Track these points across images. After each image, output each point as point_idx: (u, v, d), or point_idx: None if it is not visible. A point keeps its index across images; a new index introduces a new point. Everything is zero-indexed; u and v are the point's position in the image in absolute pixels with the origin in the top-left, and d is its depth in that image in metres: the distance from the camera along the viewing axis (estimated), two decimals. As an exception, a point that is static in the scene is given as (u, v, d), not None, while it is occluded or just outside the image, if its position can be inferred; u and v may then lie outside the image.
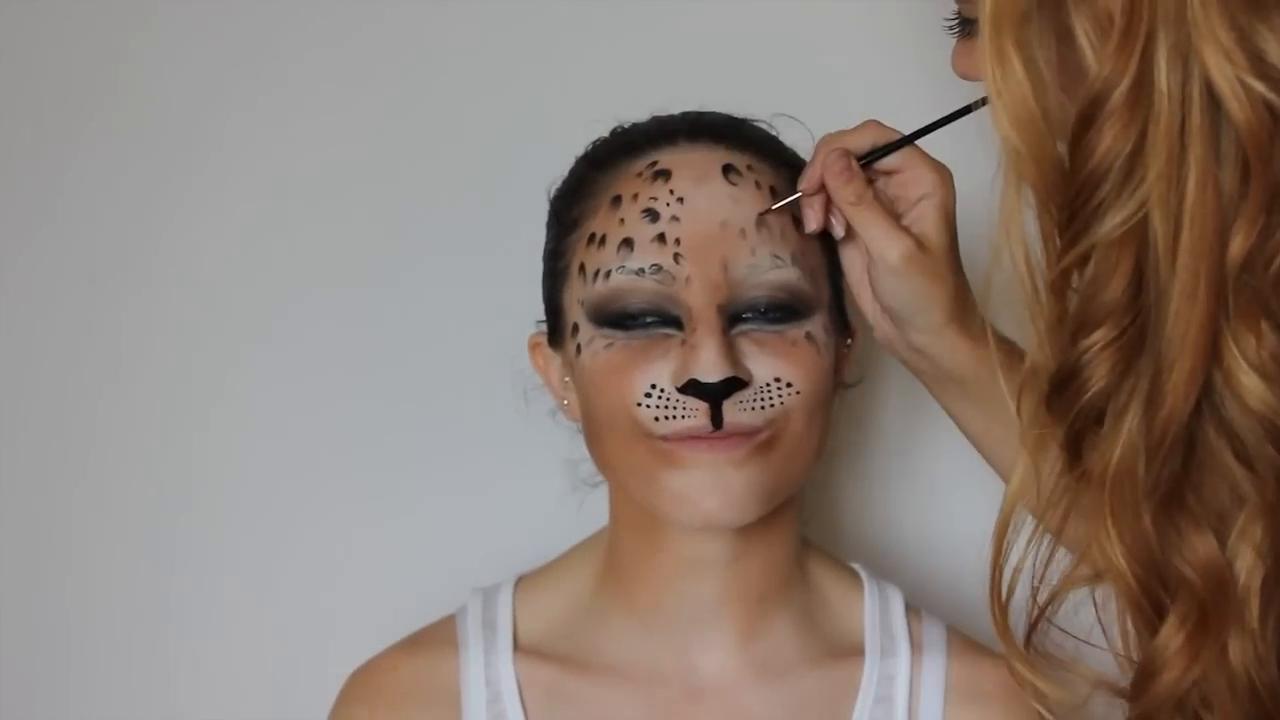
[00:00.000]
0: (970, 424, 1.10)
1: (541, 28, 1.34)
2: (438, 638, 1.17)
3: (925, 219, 1.04)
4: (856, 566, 1.18)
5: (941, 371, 1.08)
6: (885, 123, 1.07)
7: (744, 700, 1.12)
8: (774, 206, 1.07)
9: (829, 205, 1.06)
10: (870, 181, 1.05)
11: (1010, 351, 0.99)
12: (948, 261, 1.04)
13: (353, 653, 1.17)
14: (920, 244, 1.03)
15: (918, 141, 1.05)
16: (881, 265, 1.03)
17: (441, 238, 1.35)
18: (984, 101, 0.83)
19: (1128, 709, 0.90)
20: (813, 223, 1.06)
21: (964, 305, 1.04)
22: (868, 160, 1.05)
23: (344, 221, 1.35)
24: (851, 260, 1.09)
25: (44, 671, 1.36)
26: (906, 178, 1.05)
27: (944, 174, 1.05)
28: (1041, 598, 0.90)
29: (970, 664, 1.14)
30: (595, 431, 1.08)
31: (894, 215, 1.04)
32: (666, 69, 1.31)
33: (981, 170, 0.86)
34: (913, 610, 1.17)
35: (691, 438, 1.03)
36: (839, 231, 1.07)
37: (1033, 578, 0.90)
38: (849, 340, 1.14)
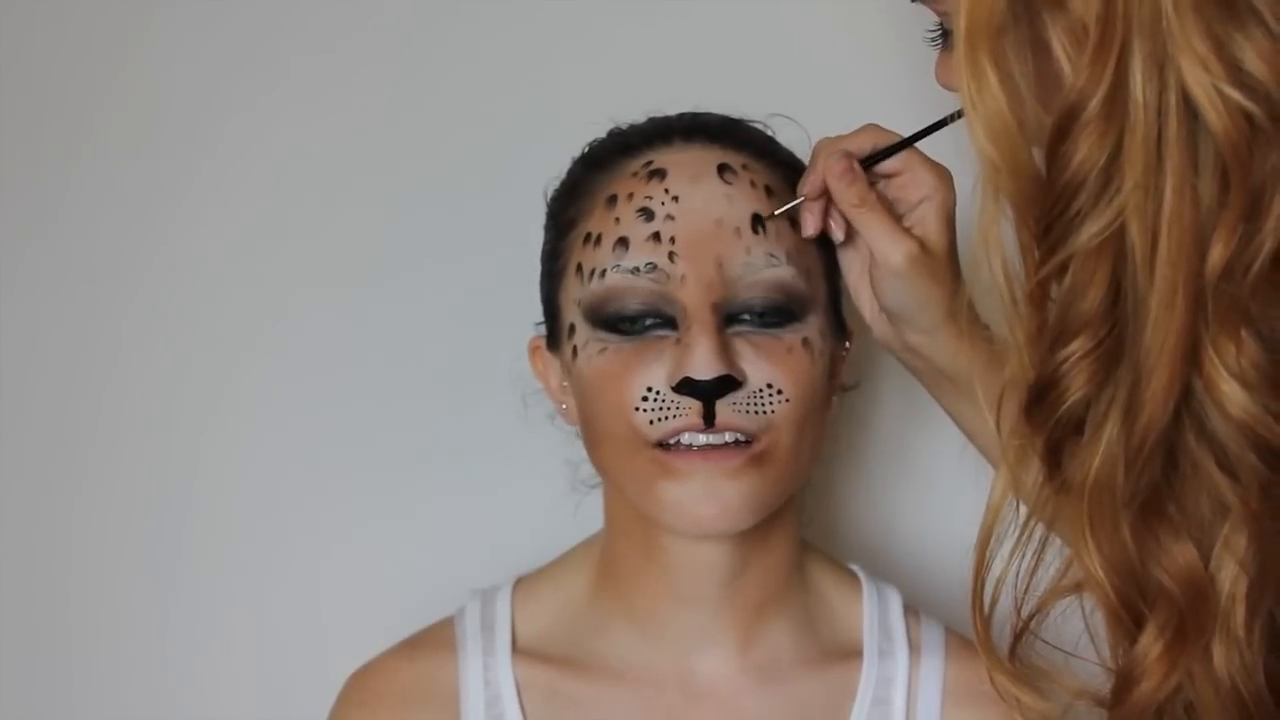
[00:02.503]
0: (966, 420, 1.10)
1: (539, 30, 1.34)
2: (436, 640, 1.17)
3: (926, 221, 1.04)
4: (855, 568, 1.18)
5: (936, 369, 1.08)
6: (883, 124, 1.07)
7: (743, 704, 1.12)
8: (775, 212, 1.07)
9: (828, 209, 1.06)
10: (871, 184, 1.04)
11: (997, 354, 0.99)
12: (948, 262, 1.05)
13: (351, 655, 1.18)
14: (922, 245, 1.03)
15: (917, 143, 1.05)
16: (885, 267, 1.03)
17: (441, 239, 1.35)
18: None
19: (1108, 718, 0.90)
20: (810, 227, 1.06)
21: (960, 304, 1.04)
22: (868, 163, 1.05)
23: (344, 223, 1.35)
24: (850, 261, 1.09)
25: (43, 672, 1.37)
26: (907, 180, 1.05)
27: (944, 175, 1.05)
28: (1025, 610, 0.90)
29: (968, 665, 1.14)
30: (594, 437, 1.09)
31: (894, 216, 1.04)
32: (663, 70, 1.31)
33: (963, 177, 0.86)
34: (911, 611, 1.17)
35: (686, 451, 1.03)
36: (838, 235, 1.07)
37: (1015, 589, 0.90)
38: (846, 344, 1.14)
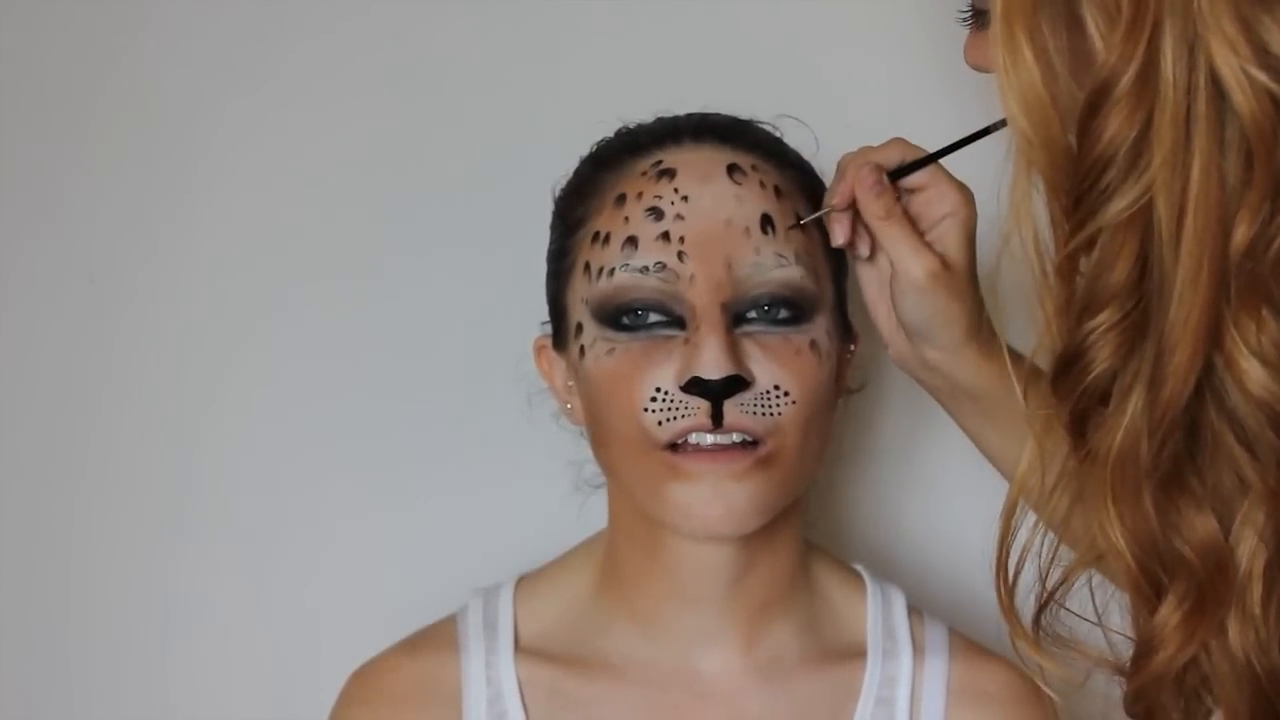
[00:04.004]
0: (986, 440, 1.11)
1: (547, 26, 1.34)
2: (439, 638, 1.17)
3: (948, 237, 1.05)
4: (859, 568, 1.19)
5: (958, 388, 1.08)
6: (890, 125, 1.08)
7: (746, 703, 1.12)
8: (803, 220, 1.07)
9: (855, 224, 1.06)
10: (897, 198, 1.05)
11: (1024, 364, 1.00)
12: (968, 280, 1.05)
13: (353, 653, 1.18)
14: (944, 261, 1.04)
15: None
16: (906, 281, 1.03)
17: (445, 238, 1.35)
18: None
19: (1125, 686, 0.91)
20: (840, 236, 1.06)
21: (981, 323, 1.05)
22: (895, 176, 1.05)
23: (347, 220, 1.35)
24: (869, 279, 1.10)
25: (42, 672, 1.36)
26: (930, 195, 1.05)
27: (966, 194, 1.05)
28: (1050, 580, 0.91)
29: (972, 665, 1.15)
30: (601, 438, 1.09)
31: (918, 231, 1.05)
32: (671, 70, 1.32)
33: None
34: (915, 612, 1.17)
35: (693, 451, 1.03)
36: (864, 251, 1.08)
37: (1039, 559, 0.91)
38: (852, 346, 1.15)
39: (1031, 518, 0.91)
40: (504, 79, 1.34)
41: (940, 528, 1.37)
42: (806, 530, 1.16)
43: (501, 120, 1.35)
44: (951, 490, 1.34)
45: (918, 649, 1.15)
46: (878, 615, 1.16)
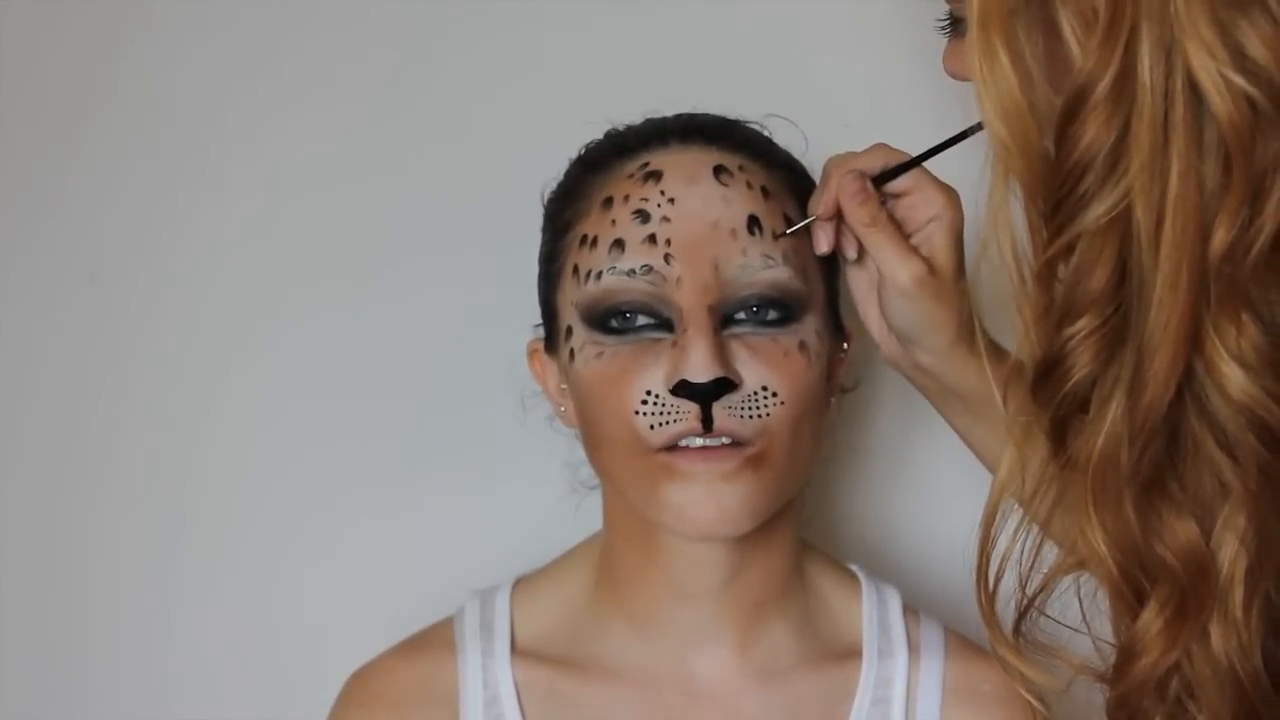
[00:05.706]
0: (975, 438, 1.11)
1: (536, 29, 1.34)
2: (435, 640, 1.17)
3: (934, 240, 1.05)
4: (854, 568, 1.19)
5: (947, 389, 1.08)
6: (879, 124, 1.08)
7: (742, 703, 1.12)
8: (789, 230, 1.07)
9: (840, 227, 1.07)
10: (881, 203, 1.05)
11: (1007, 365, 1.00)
12: (955, 284, 1.05)
13: (351, 655, 1.18)
14: (930, 266, 1.04)
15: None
16: (892, 287, 1.04)
17: (439, 239, 1.35)
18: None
19: (1107, 692, 0.91)
20: (824, 244, 1.07)
21: (970, 326, 1.05)
22: (879, 182, 1.05)
23: (342, 223, 1.35)
24: (858, 281, 1.10)
25: (42, 672, 1.36)
26: (916, 199, 1.05)
27: (952, 196, 1.05)
28: (1030, 587, 0.91)
29: (968, 665, 1.14)
30: (594, 441, 1.09)
31: (904, 237, 1.05)
32: (660, 71, 1.31)
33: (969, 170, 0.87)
34: (910, 611, 1.17)
35: (685, 450, 1.03)
36: (850, 254, 1.08)
37: (1020, 566, 0.91)
38: (845, 345, 1.15)
39: (1011, 525, 0.91)
40: (498, 82, 1.34)
41: (935, 526, 1.36)
42: (801, 529, 1.16)
43: (497, 123, 1.35)
44: (947, 489, 1.34)
45: (913, 648, 1.15)
46: (873, 615, 1.16)
